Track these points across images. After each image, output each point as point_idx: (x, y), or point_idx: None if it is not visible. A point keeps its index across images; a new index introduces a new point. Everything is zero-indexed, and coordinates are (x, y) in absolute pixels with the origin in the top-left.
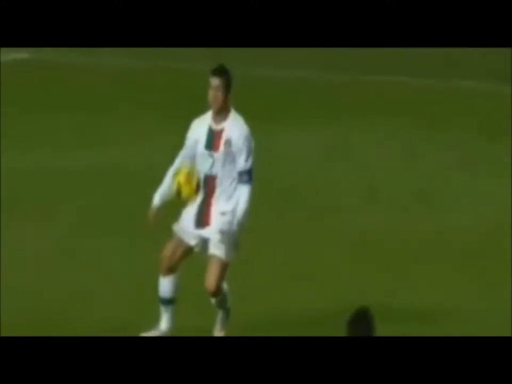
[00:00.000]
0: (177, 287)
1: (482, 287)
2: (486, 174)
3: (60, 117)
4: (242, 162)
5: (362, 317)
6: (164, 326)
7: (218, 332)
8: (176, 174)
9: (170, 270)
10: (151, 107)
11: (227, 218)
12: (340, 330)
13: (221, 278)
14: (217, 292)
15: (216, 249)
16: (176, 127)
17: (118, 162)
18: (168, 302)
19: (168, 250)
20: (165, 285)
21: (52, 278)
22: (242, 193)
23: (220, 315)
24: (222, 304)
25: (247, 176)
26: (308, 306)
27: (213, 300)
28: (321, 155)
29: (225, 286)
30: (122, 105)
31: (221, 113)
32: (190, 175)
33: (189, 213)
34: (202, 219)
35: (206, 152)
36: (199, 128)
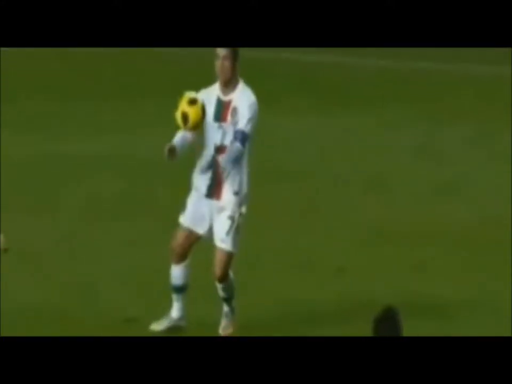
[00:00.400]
0: (188, 275)
1: None
2: None
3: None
4: (241, 124)
5: (389, 315)
6: (175, 314)
7: (223, 330)
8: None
9: (181, 259)
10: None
11: (237, 200)
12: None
13: (227, 265)
14: (225, 277)
15: (223, 243)
16: None
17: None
18: (180, 289)
19: (177, 240)
20: (176, 273)
21: (56, 268)
22: (230, 148)
23: (225, 310)
24: (228, 291)
25: (242, 136)
26: (323, 298)
27: (219, 287)
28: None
29: (231, 274)
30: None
31: (229, 84)
32: (192, 98)
33: (194, 203)
34: (213, 190)
35: (216, 124)
36: (208, 99)
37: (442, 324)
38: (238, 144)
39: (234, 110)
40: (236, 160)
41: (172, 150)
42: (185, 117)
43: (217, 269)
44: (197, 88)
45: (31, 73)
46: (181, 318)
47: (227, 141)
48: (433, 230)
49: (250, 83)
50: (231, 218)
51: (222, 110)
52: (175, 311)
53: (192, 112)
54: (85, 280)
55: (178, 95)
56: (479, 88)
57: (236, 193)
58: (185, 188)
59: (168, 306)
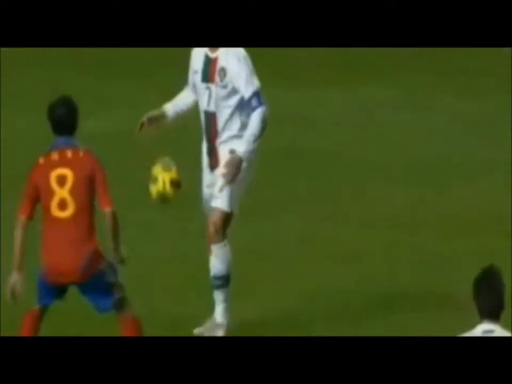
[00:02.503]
0: (231, 262)
1: None
2: None
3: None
4: (243, 89)
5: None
6: (220, 316)
7: (215, 322)
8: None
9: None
10: None
11: (234, 156)
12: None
13: (219, 224)
14: (216, 234)
15: (216, 201)
16: None
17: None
18: (224, 280)
19: (206, 225)
20: (213, 259)
21: None
22: (252, 120)
23: (218, 296)
24: (220, 262)
25: (255, 100)
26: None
27: (212, 255)
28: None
29: (226, 243)
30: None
31: None
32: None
33: (204, 183)
34: (212, 160)
35: (203, 85)
36: (197, 57)
37: (459, 316)
38: (257, 112)
39: (223, 70)
40: (264, 127)
41: (142, 125)
42: (163, 198)
43: (210, 227)
44: None
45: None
46: (227, 320)
47: (213, 106)
48: (468, 217)
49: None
50: (224, 175)
51: (209, 68)
52: (220, 311)
53: (174, 196)
54: None
55: None
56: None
57: (232, 152)
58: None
59: (168, 305)
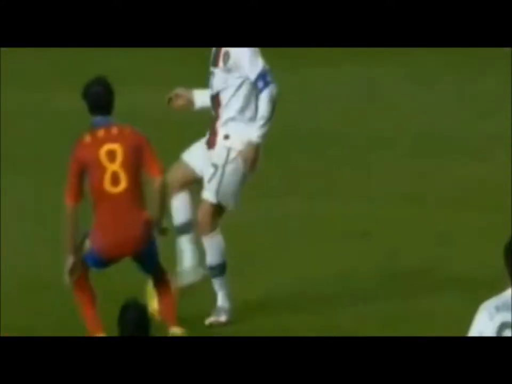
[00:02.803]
0: (192, 209)
1: None
2: None
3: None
4: (247, 71)
5: None
6: (187, 262)
7: (216, 318)
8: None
9: (179, 189)
10: None
11: (226, 144)
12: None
13: (207, 214)
14: (205, 225)
15: (205, 191)
16: None
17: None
18: (186, 227)
19: (172, 173)
20: (175, 206)
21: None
22: (260, 103)
23: (216, 284)
24: (214, 254)
25: (261, 81)
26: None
27: (205, 245)
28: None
29: (218, 233)
30: None
31: None
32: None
33: (198, 144)
34: (210, 139)
35: (211, 70)
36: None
37: (465, 296)
38: (265, 93)
39: (227, 54)
40: (274, 107)
41: (171, 99)
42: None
43: (199, 216)
44: None
45: None
46: (196, 267)
47: (215, 89)
48: (473, 195)
49: None
50: (215, 166)
51: (216, 53)
52: (187, 259)
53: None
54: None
55: None
56: None
57: (226, 137)
58: None
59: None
